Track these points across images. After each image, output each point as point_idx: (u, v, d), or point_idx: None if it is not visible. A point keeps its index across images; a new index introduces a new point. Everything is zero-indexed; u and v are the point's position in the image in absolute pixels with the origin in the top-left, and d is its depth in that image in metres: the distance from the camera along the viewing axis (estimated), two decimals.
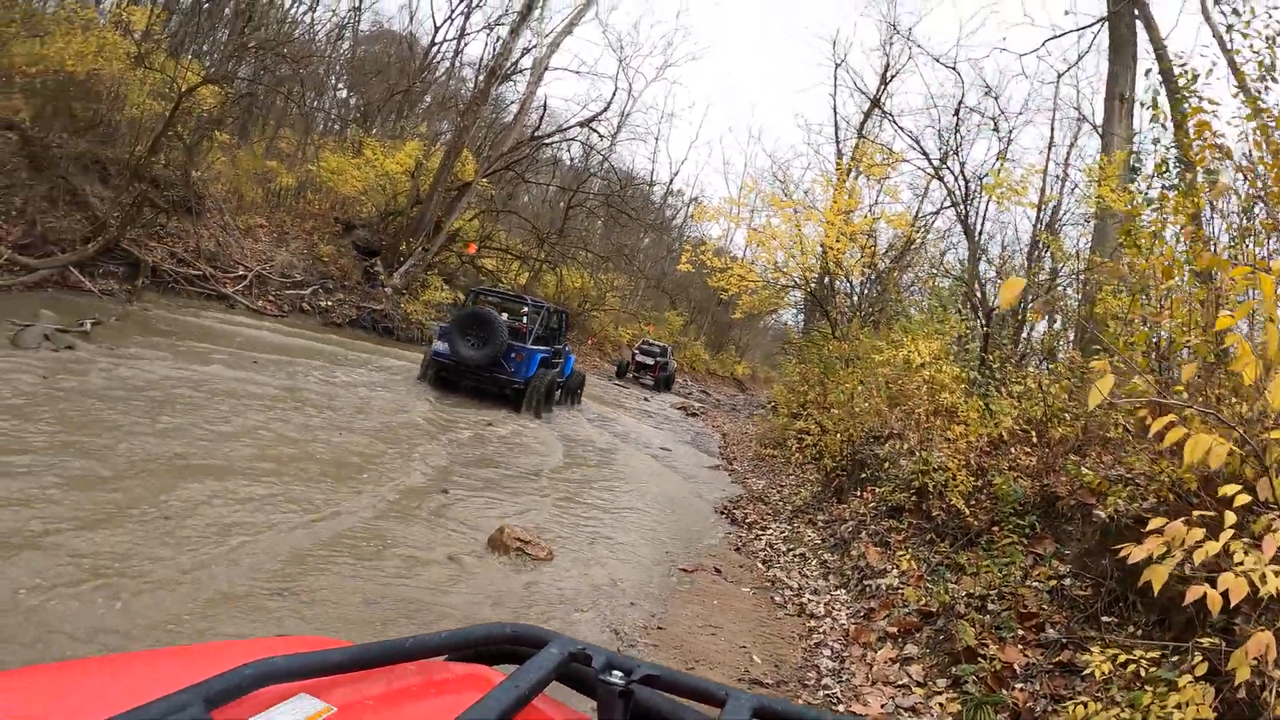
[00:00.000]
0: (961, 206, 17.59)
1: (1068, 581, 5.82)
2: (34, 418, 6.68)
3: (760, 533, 9.24)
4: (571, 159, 45.30)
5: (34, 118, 16.43)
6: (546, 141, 30.88)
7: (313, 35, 35.46)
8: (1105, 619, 5.23)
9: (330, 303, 22.33)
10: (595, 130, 31.16)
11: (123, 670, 1.13)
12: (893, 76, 30.63)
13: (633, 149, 75.91)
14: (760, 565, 8.04)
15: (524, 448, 11.87)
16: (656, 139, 72.78)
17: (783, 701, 1.04)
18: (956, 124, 18.03)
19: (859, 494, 9.18)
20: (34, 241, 14.38)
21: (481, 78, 27.18)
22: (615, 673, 1.04)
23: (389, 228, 25.70)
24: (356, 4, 35.52)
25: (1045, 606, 5.75)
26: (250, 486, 6.53)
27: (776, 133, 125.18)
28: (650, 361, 35.69)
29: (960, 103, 18.49)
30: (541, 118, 29.43)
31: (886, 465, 8.85)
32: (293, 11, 33.85)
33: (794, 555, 8.34)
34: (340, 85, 37.74)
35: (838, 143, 34.01)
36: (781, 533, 9.25)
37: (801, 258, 18.11)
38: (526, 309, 17.34)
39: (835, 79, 35.26)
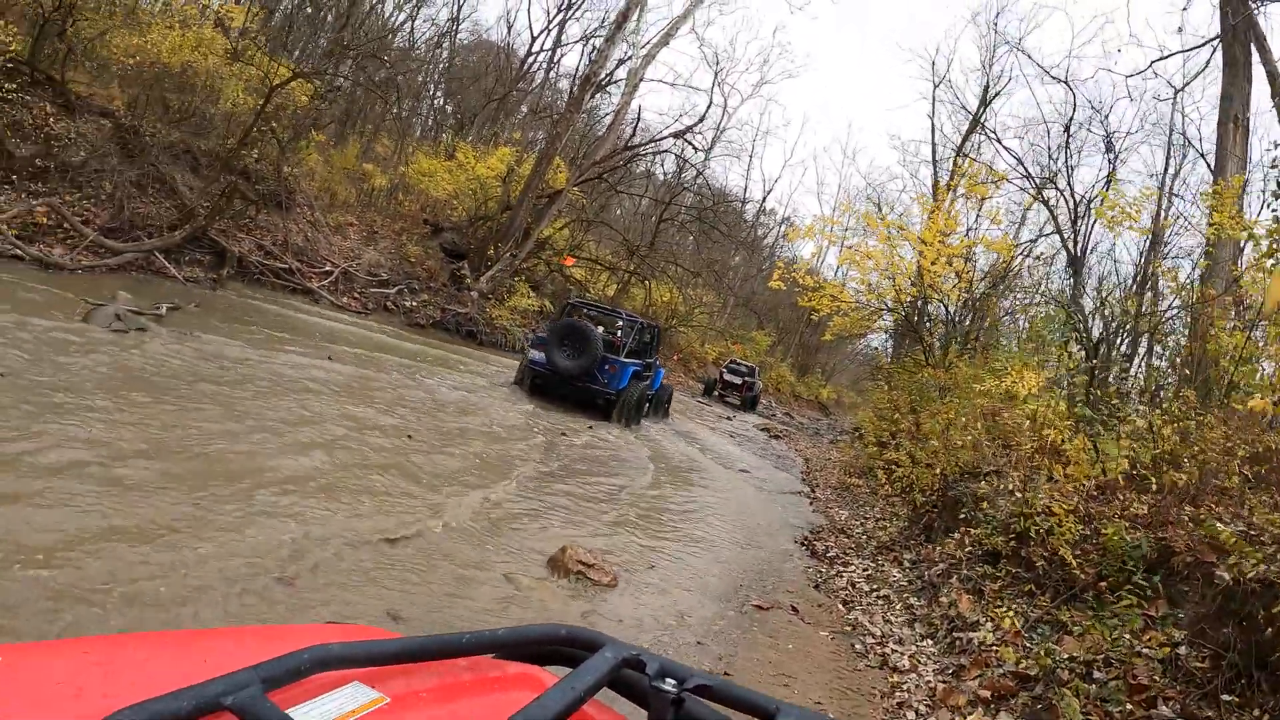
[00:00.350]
0: (1070, 230, 16.66)
1: (1183, 651, 5.10)
2: (82, 390, 6.55)
3: (842, 569, 8.55)
4: (665, 173, 45.02)
5: (128, 106, 16.61)
6: (640, 152, 30.42)
7: (412, 43, 36.17)
8: (1226, 697, 4.53)
9: (415, 303, 22.25)
10: (689, 142, 30.69)
11: (181, 646, 1.14)
12: (994, 96, 29.82)
13: (726, 165, 75.32)
14: (840, 606, 7.38)
15: (610, 460, 11.86)
16: (750, 156, 72.28)
17: (830, 718, 1.01)
18: (1066, 140, 16.93)
19: (952, 534, 8.50)
20: (121, 226, 14.44)
21: (576, 86, 26.80)
22: (668, 680, 1.03)
23: (478, 232, 25.63)
24: (455, 14, 35.72)
25: (1158, 678, 5.03)
26: (303, 486, 6.22)
27: (872, 153, 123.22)
28: (737, 381, 35.25)
29: (1070, 119, 17.43)
30: (635, 128, 29.07)
31: (984, 505, 8.13)
32: (393, 20, 34.53)
33: (877, 597, 7.65)
34: (438, 93, 38.18)
35: (934, 164, 33.44)
36: (865, 570, 8.56)
37: (897, 279, 17.29)
38: (621, 322, 17.76)
39: (934, 98, 34.32)
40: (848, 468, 17.18)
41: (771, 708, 1.01)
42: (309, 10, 26.30)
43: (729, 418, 27.91)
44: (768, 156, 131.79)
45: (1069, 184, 16.86)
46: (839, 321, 20.84)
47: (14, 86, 13.86)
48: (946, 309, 16.85)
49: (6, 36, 13.17)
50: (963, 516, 8.31)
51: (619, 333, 17.23)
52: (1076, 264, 16.13)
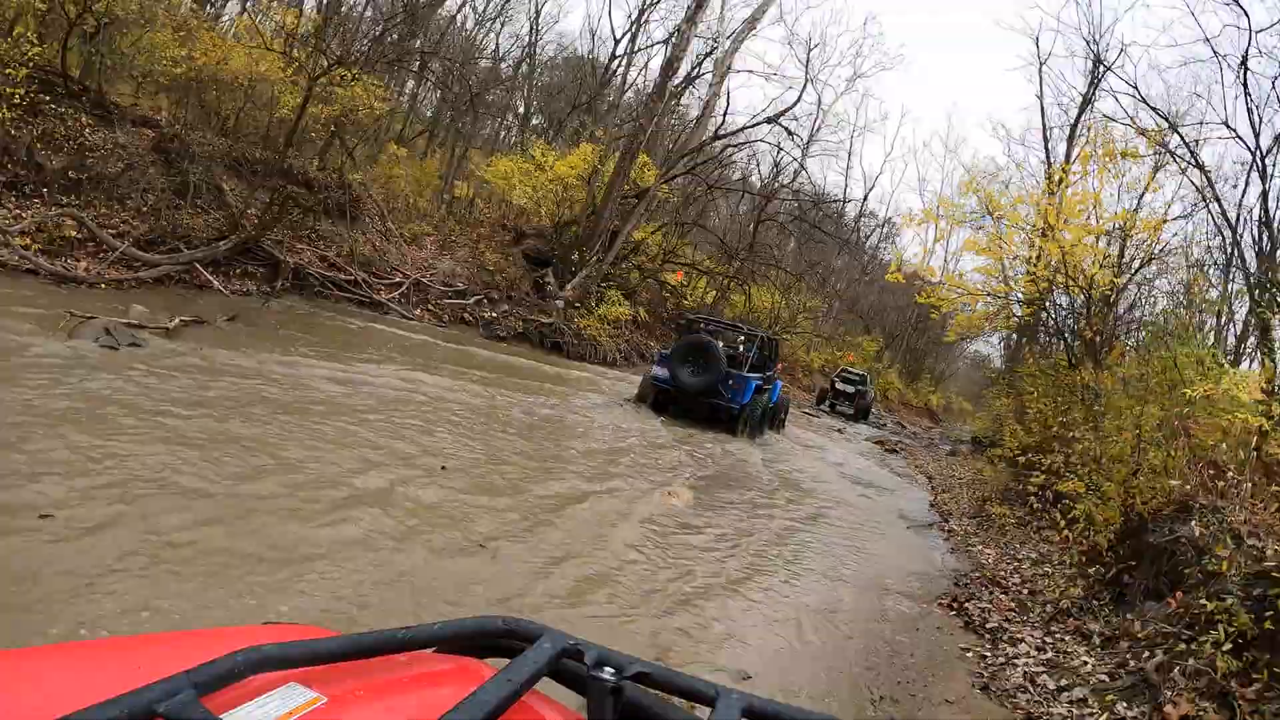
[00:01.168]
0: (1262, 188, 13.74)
1: None
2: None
3: (1010, 647, 6.24)
4: (761, 177, 42.91)
5: (173, 115, 15.50)
6: (732, 142, 28.32)
7: (498, 59, 35.35)
8: None
9: (494, 314, 20.68)
10: (785, 129, 28.49)
11: (116, 654, 1.10)
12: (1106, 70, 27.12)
13: (824, 164, 72.23)
14: None
15: (736, 481, 11.38)
16: (849, 154, 69.64)
17: (773, 702, 1.01)
18: (1244, 72, 13.13)
19: (1157, 598, 6.30)
20: (160, 238, 13.18)
21: (659, 75, 24.87)
22: (607, 669, 1.03)
23: (562, 237, 23.89)
24: (535, 24, 34.52)
25: None
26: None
27: (974, 144, 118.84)
28: (850, 390, 34.09)
29: (1249, 44, 13.60)
30: (725, 116, 27.12)
31: (1204, 558, 5.89)
32: (476, 37, 33.66)
33: (1070, 702, 5.31)
34: (528, 105, 37.22)
35: (1046, 145, 30.79)
36: (1040, 651, 6.31)
37: (1038, 266, 14.86)
38: (743, 337, 18.10)
39: (1040, 78, 31.71)
40: (982, 491, 14.90)
41: (711, 693, 1.01)
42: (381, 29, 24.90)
43: (840, 430, 26.20)
44: (867, 153, 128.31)
45: (1255, 132, 13.49)
46: (962, 320, 18.41)
47: (47, 98, 12.89)
48: (1090, 298, 14.41)
49: (27, 44, 12.11)
50: (1171, 571, 6.09)
51: (741, 347, 17.48)
52: (1271, 227, 13.17)
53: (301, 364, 9.86)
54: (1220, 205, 15.34)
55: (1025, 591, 8.07)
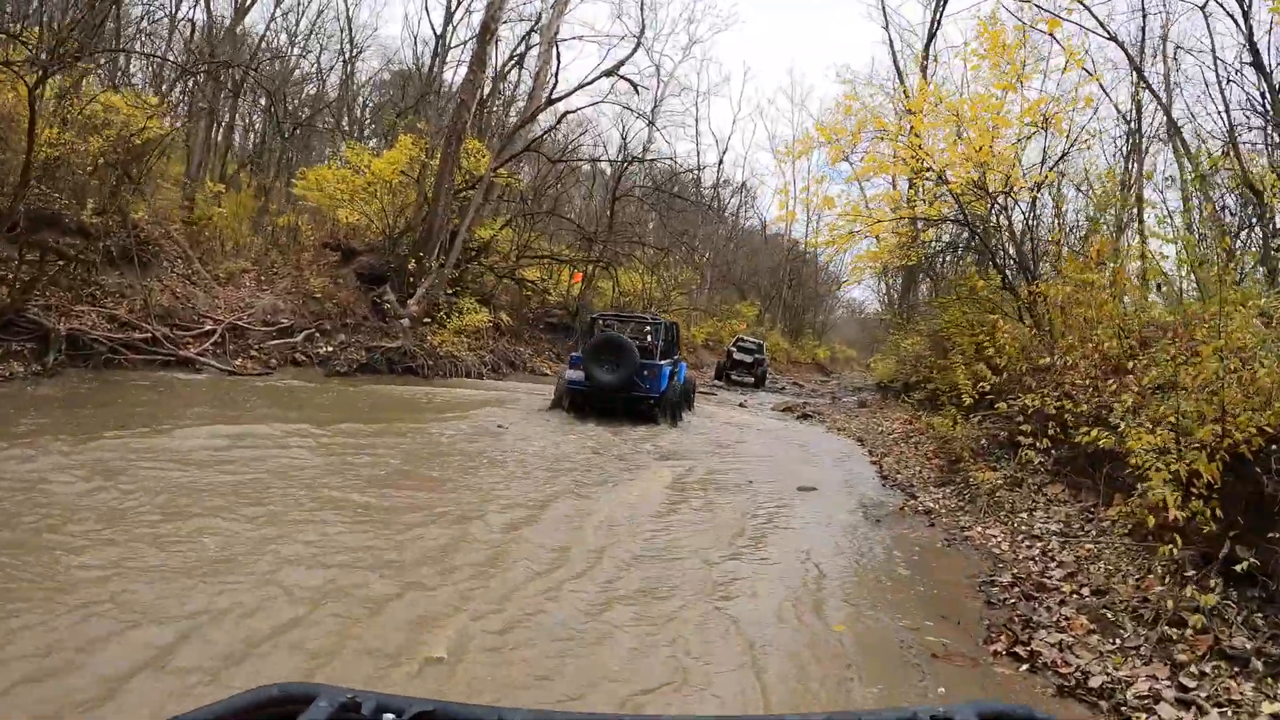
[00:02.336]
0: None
1: None
2: None
3: (1144, 717, 3.92)
4: (609, 157, 40.59)
5: None
6: (572, 107, 25.61)
7: (322, 80, 33.51)
8: None
9: (331, 348, 17.66)
10: (627, 80, 25.96)
11: None
12: None
13: (672, 135, 70.27)
14: None
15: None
16: (696, 120, 68.07)
17: (561, 712, 1.02)
18: None
19: None
20: None
21: (474, 42, 21.99)
22: (387, 716, 0.96)
23: (397, 248, 20.81)
24: (349, 42, 31.55)
25: None
26: None
27: (819, 96, 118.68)
28: (748, 359, 33.25)
29: None
30: (556, 79, 24.41)
31: None
32: (291, 56, 30.79)
33: None
34: (356, 127, 34.44)
35: (900, 76, 29.91)
36: (1190, 711, 3.95)
37: (956, 172, 12.65)
38: (647, 327, 18.08)
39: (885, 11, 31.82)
40: (934, 446, 12.75)
41: (495, 718, 0.95)
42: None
43: (742, 403, 24.40)
44: (715, 117, 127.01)
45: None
46: (867, 256, 16.21)
47: None
48: (1006, 207, 12.39)
49: None
50: None
51: (648, 337, 17.54)
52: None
53: (64, 454, 6.97)
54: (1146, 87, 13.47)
55: (1086, 593, 5.66)
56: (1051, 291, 10.50)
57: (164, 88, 23.18)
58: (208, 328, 16.44)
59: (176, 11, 26.12)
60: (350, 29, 33.03)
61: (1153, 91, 13.46)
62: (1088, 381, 7.97)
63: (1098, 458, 7.02)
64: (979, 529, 7.83)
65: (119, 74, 21.61)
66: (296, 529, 5.86)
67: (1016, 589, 5.93)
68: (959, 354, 15.08)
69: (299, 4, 30.19)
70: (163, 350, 14.63)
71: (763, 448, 14.41)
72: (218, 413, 10.97)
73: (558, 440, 12.10)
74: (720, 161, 49.93)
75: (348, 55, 33.83)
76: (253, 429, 9.53)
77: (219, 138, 26.30)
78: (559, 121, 24.22)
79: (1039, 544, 7.03)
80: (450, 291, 21.64)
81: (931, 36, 29.89)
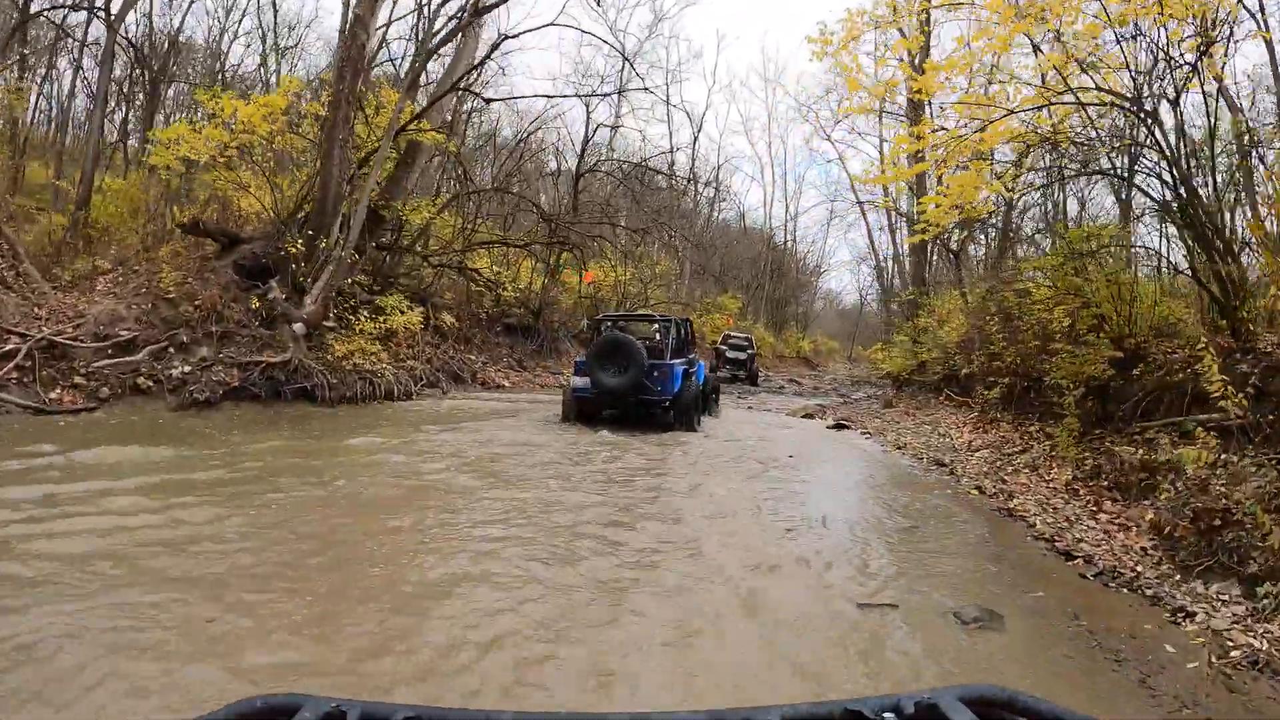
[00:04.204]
0: None
1: None
2: None
3: None
4: (573, 144, 36.01)
5: None
6: (513, 33, 20.06)
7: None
8: None
9: (187, 368, 12.59)
10: (575, 28, 21.18)
11: None
12: None
13: (643, 118, 65.35)
14: None
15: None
16: (668, 100, 63.81)
17: (546, 713, 1.30)
18: None
19: None
20: None
21: None
22: None
23: (290, 230, 15.50)
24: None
25: None
26: None
27: (795, 73, 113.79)
28: (741, 356, 30.82)
29: None
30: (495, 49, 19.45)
31: None
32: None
33: None
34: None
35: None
36: None
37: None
38: (655, 325, 16.77)
39: None
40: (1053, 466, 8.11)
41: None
42: None
43: (749, 406, 21.04)
44: (688, 93, 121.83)
45: None
46: (961, 186, 11.23)
47: None
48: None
49: None
50: None
51: (656, 335, 16.21)
52: None
53: None
54: None
55: None
56: None
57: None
58: (9, 346, 11.51)
59: None
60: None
61: None
62: None
63: None
64: None
65: None
66: None
67: None
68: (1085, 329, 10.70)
69: None
70: None
71: (821, 486, 9.90)
72: None
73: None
74: (695, 139, 44.86)
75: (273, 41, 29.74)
76: None
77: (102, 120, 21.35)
78: (494, 50, 18.82)
79: None
80: (372, 288, 16.72)
81: None
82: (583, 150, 28.26)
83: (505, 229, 26.32)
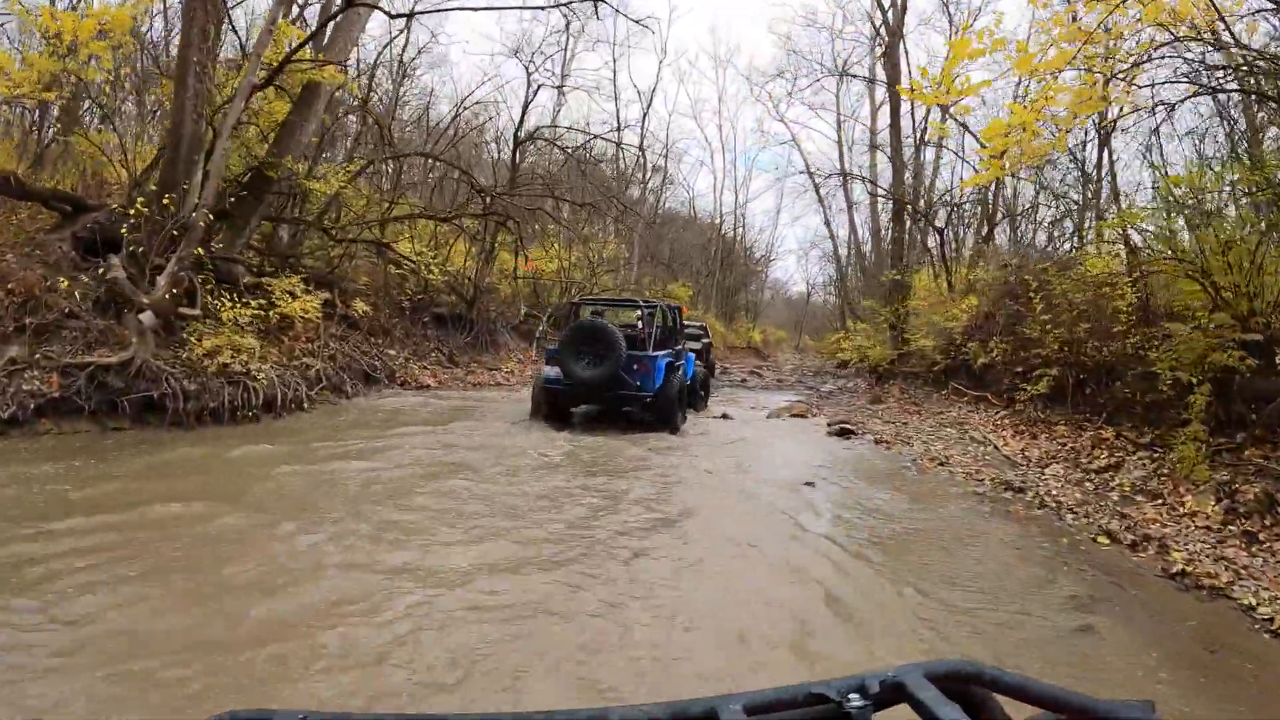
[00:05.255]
0: None
1: None
2: None
3: None
4: (511, 116, 32.89)
5: None
6: None
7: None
8: None
9: None
10: None
11: None
12: None
13: (588, 97, 62.46)
14: None
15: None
16: (614, 75, 61.32)
17: (502, 716, 0.99)
18: None
19: None
20: None
21: None
22: None
23: (141, 190, 12.10)
24: None
25: None
26: None
27: (748, 53, 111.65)
28: (699, 346, 26.46)
29: None
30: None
31: None
32: None
33: None
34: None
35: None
36: None
37: None
38: (639, 311, 15.55)
39: None
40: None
41: None
42: None
43: (725, 414, 16.81)
44: (636, 68, 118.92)
45: None
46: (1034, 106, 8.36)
47: None
48: None
49: None
50: None
51: (639, 323, 15.04)
52: None
53: None
54: None
55: None
56: None
57: None
58: None
59: None
60: None
61: None
62: None
63: None
64: None
65: None
66: None
67: None
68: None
69: None
70: None
71: (883, 547, 6.65)
72: None
73: None
74: (645, 117, 41.86)
75: None
76: None
77: None
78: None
79: None
80: (263, 268, 13.55)
81: None
82: (523, 114, 25.34)
83: (433, 205, 23.26)
